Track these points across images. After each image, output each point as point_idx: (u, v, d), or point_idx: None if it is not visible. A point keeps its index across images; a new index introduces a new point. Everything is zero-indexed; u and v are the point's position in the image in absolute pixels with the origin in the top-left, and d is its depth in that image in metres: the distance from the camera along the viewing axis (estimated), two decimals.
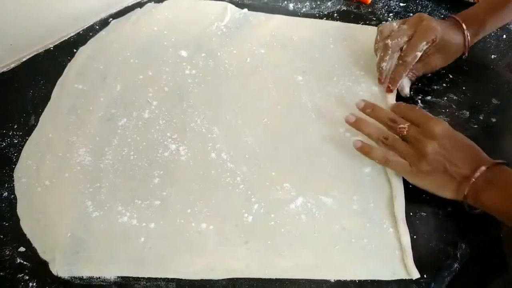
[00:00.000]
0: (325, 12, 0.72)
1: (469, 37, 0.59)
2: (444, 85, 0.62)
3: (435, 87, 0.62)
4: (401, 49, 0.58)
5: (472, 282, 0.46)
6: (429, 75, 0.63)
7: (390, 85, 0.59)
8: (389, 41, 0.57)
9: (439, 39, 0.56)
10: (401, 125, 0.49)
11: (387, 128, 0.51)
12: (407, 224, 0.48)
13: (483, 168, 0.45)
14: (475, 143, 0.48)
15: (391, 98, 0.59)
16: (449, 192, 0.47)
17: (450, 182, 0.46)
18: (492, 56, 0.66)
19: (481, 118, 0.58)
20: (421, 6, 0.74)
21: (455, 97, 0.60)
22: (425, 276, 0.45)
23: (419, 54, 0.56)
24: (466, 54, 0.60)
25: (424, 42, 0.56)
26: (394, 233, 0.48)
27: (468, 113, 0.59)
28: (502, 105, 0.60)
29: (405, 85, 0.60)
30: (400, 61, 0.57)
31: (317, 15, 0.72)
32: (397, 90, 0.60)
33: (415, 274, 0.44)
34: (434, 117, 0.49)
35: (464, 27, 0.58)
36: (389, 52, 0.57)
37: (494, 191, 0.44)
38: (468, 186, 0.45)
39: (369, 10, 0.72)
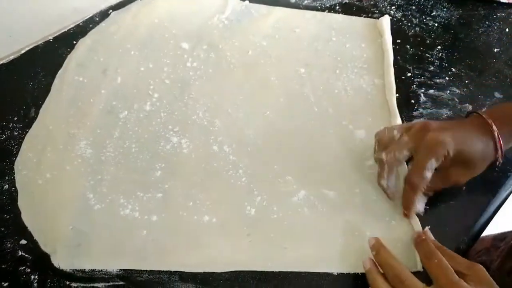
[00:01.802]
0: (327, 5, 0.72)
1: (501, 139, 0.45)
2: (447, 78, 0.62)
3: (438, 80, 0.62)
4: (407, 162, 0.48)
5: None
6: (431, 68, 0.62)
7: (405, 212, 0.47)
8: (384, 156, 0.46)
9: (453, 152, 0.44)
10: None
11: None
12: None
13: None
14: None
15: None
16: None
17: None
18: (495, 50, 0.66)
19: None
20: None
21: (457, 91, 0.60)
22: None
23: (429, 174, 0.44)
24: (501, 161, 0.46)
25: (432, 160, 0.44)
26: (396, 226, 0.48)
27: (470, 107, 0.59)
28: (504, 99, 0.60)
29: (421, 203, 0.47)
30: (407, 185, 0.46)
31: (319, 7, 0.71)
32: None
33: (421, 266, 0.44)
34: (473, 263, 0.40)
35: (494, 127, 0.45)
36: (386, 168, 0.47)
37: None
38: None
39: (372, 2, 0.72)
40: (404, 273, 0.40)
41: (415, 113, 0.58)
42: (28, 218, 0.48)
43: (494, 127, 0.45)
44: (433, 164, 0.44)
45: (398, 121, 0.56)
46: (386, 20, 0.67)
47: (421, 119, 0.57)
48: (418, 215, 0.47)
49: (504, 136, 0.45)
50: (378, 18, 0.69)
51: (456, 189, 0.50)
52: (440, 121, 0.49)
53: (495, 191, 0.51)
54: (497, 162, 0.47)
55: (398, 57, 0.64)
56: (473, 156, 0.45)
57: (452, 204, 0.48)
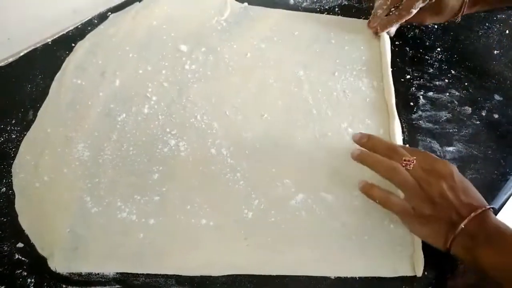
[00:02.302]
0: (326, 7, 0.71)
1: (467, 2, 0.60)
2: (446, 81, 0.61)
3: (437, 83, 0.61)
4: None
5: (474, 279, 0.46)
6: (430, 70, 0.62)
7: (378, 29, 0.64)
8: None
9: None
10: (407, 158, 0.45)
11: (388, 158, 0.46)
12: None
13: (472, 214, 0.41)
14: (477, 139, 0.48)
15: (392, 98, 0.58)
16: (439, 240, 0.42)
17: (443, 230, 0.42)
18: (495, 52, 0.66)
19: (483, 114, 0.58)
20: None
21: (457, 93, 0.60)
22: (425, 273, 0.45)
23: (414, 11, 0.60)
24: (459, 19, 0.62)
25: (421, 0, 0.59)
26: (394, 229, 0.47)
27: (470, 109, 0.58)
28: (504, 101, 0.59)
29: (393, 27, 0.64)
30: (396, 13, 0.62)
31: (318, 9, 0.71)
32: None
33: (420, 271, 0.44)
34: (444, 160, 0.45)
35: None
36: (389, 3, 0.62)
37: (491, 252, 0.39)
38: (455, 232, 0.41)
39: (371, 4, 0.71)
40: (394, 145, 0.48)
41: (414, 116, 0.58)
42: (25, 221, 0.48)
43: None
44: (420, 3, 0.59)
45: (397, 123, 0.56)
46: None
47: (420, 121, 0.57)
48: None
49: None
50: None
51: None
52: None
53: (494, 195, 0.51)
54: (456, 19, 0.63)
55: (397, 59, 0.63)
56: (446, 5, 0.60)
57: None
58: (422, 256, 0.45)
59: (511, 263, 0.38)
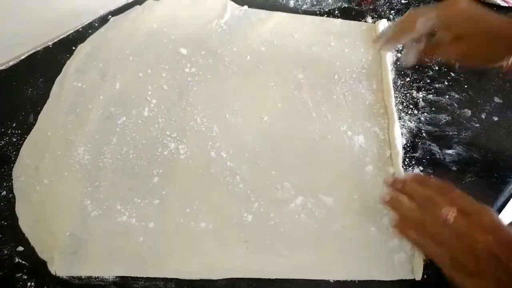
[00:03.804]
0: (326, 9, 0.71)
1: None
2: (446, 83, 0.61)
3: (437, 85, 0.61)
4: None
5: None
6: (430, 72, 0.62)
7: (376, 38, 0.56)
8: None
9: (459, 30, 0.48)
10: (446, 209, 0.39)
11: (421, 208, 0.42)
12: None
13: None
14: (476, 141, 0.47)
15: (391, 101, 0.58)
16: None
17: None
18: None
19: (483, 116, 0.58)
20: (423, 4, 0.73)
21: (456, 96, 0.60)
22: (425, 276, 0.45)
23: (420, 24, 0.49)
24: (505, 69, 0.49)
25: (431, 15, 0.49)
26: (394, 233, 0.47)
27: (469, 111, 0.58)
28: (504, 104, 0.59)
29: (411, 55, 0.53)
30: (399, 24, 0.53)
31: (318, 12, 0.71)
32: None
33: (419, 275, 0.44)
34: (483, 205, 0.40)
35: None
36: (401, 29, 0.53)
37: None
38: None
39: (370, 7, 0.72)
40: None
41: (414, 118, 0.58)
42: (25, 225, 0.48)
43: None
44: (427, 22, 0.49)
45: (397, 126, 0.56)
46: (382, 24, 0.67)
47: (420, 124, 0.57)
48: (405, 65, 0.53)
49: None
50: None
51: None
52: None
53: (494, 198, 0.51)
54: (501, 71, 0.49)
55: (397, 63, 0.63)
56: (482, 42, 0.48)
57: None
58: (422, 260, 0.45)
59: None
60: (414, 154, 0.54)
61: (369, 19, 0.70)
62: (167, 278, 0.45)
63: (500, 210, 0.51)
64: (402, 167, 0.53)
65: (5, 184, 0.51)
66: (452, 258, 0.39)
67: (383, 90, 0.60)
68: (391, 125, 0.56)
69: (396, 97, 0.59)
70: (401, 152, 0.53)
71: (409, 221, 0.42)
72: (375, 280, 0.45)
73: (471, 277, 0.38)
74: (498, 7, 0.70)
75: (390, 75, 0.61)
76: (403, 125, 0.57)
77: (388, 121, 0.57)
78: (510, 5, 0.70)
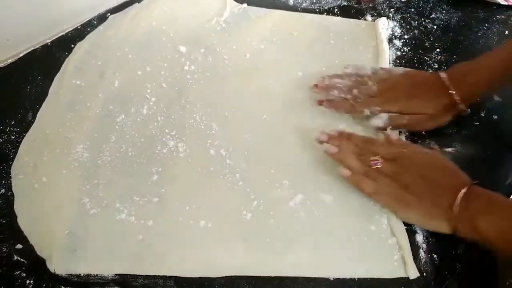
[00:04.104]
0: (326, 7, 0.71)
1: (458, 99, 0.51)
2: None
3: None
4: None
5: (472, 281, 0.46)
6: (430, 71, 0.62)
7: (323, 103, 0.57)
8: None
9: (402, 102, 0.52)
10: (373, 158, 0.48)
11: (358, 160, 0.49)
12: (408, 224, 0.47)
13: (462, 191, 0.42)
14: (476, 140, 0.48)
15: None
16: (441, 223, 0.44)
17: (438, 213, 0.44)
18: None
19: (482, 115, 0.58)
20: (422, 1, 0.73)
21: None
22: (424, 274, 0.45)
23: (366, 112, 0.53)
24: (465, 113, 0.53)
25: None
26: (393, 231, 0.47)
27: (469, 110, 0.58)
28: (503, 102, 0.59)
29: (379, 119, 0.53)
30: (351, 101, 0.55)
31: (318, 10, 0.71)
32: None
33: (414, 274, 0.44)
34: (406, 143, 0.49)
35: (450, 87, 0.51)
36: (348, 82, 0.56)
37: (491, 217, 0.41)
38: (454, 214, 0.42)
39: (370, 5, 0.71)
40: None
41: None
42: (24, 223, 0.48)
43: (452, 88, 0.51)
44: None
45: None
46: (381, 22, 0.67)
47: None
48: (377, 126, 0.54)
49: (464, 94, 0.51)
50: None
51: None
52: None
53: None
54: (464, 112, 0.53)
55: (397, 60, 0.63)
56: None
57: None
58: (411, 258, 0.45)
59: (509, 223, 0.40)
60: None
61: (368, 18, 0.70)
62: (166, 276, 0.45)
63: None
64: None
65: (3, 182, 0.51)
66: (398, 199, 0.46)
67: None
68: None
69: None
70: None
71: (357, 172, 0.48)
72: (374, 278, 0.45)
73: (415, 207, 0.45)
74: (498, 6, 0.70)
75: None
76: None
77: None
78: (510, 3, 0.70)
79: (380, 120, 0.53)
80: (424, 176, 0.45)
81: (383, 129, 0.53)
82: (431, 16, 0.70)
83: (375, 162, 0.48)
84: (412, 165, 0.47)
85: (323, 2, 0.72)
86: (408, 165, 0.47)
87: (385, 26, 0.67)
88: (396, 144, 0.50)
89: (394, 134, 0.52)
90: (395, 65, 0.63)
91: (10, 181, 0.51)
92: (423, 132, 0.55)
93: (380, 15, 0.70)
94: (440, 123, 0.54)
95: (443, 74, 0.52)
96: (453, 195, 0.43)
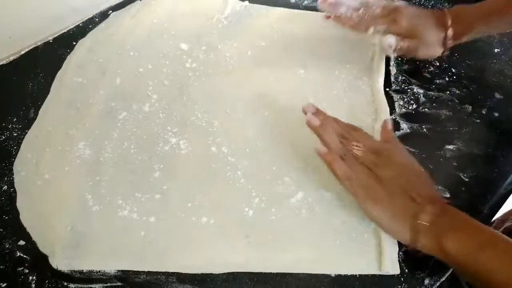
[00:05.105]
0: None
1: (451, 35, 0.55)
2: (447, 79, 0.61)
3: (438, 81, 0.61)
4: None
5: None
6: (431, 68, 0.62)
7: (331, 15, 0.59)
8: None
9: (404, 24, 0.55)
10: (355, 144, 0.47)
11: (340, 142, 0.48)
12: None
13: (435, 204, 0.42)
14: (477, 137, 0.48)
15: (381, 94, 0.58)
16: (403, 230, 0.42)
17: (403, 218, 0.42)
18: (495, 50, 0.66)
19: (484, 112, 0.58)
20: (423, 0, 0.73)
21: (457, 91, 0.60)
22: (426, 272, 0.45)
23: (371, 30, 0.57)
24: (446, 52, 0.58)
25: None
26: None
27: (470, 107, 0.58)
28: (505, 100, 0.59)
29: (391, 38, 0.57)
30: (355, 20, 0.58)
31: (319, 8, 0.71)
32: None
33: (390, 269, 0.44)
34: (394, 142, 0.48)
35: (449, 23, 0.55)
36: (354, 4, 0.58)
37: (459, 236, 0.40)
38: (420, 225, 0.41)
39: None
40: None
41: (414, 114, 0.58)
42: (26, 219, 0.49)
43: (449, 22, 0.55)
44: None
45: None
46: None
47: (421, 120, 0.57)
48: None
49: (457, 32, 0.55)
50: None
51: (455, 189, 0.50)
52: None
53: (494, 193, 0.51)
54: (443, 53, 0.58)
55: (398, 58, 0.63)
56: (426, 37, 0.56)
57: (450, 204, 0.48)
58: (391, 254, 0.45)
59: (476, 245, 0.39)
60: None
61: None
62: (168, 272, 0.45)
63: (499, 205, 0.51)
64: None
65: (6, 178, 0.51)
66: (367, 190, 0.44)
67: (383, 85, 0.60)
68: (378, 128, 0.55)
69: (396, 92, 0.59)
70: None
71: (334, 152, 0.47)
72: (375, 274, 0.45)
73: (382, 203, 0.43)
74: None
75: (393, 70, 0.61)
76: (404, 121, 0.57)
77: (388, 117, 0.57)
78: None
79: (392, 38, 0.56)
80: (402, 176, 0.44)
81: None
82: None
83: (357, 148, 0.47)
84: (393, 162, 0.46)
85: None
86: (389, 161, 0.46)
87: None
88: (384, 141, 0.49)
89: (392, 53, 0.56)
90: (397, 63, 0.63)
91: (13, 177, 0.52)
92: (417, 61, 0.60)
93: None
94: (433, 53, 0.58)
95: (445, 8, 0.56)
96: (425, 204, 0.42)
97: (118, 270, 0.45)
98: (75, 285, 0.45)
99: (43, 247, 0.47)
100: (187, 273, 0.45)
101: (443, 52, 0.58)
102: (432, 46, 0.57)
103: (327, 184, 0.51)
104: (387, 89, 0.60)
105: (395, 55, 0.58)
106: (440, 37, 0.56)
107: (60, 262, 0.45)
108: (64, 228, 0.47)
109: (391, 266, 0.44)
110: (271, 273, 0.45)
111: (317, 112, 0.50)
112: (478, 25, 0.55)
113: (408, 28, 0.56)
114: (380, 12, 0.57)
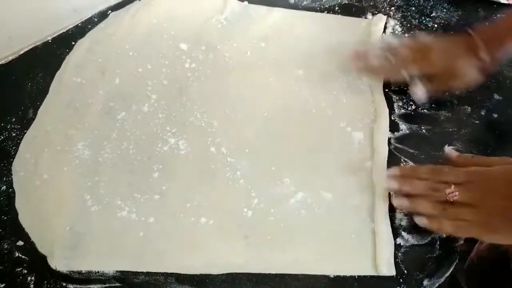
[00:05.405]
0: (326, 6, 0.71)
1: (487, 59, 0.52)
2: None
3: None
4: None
5: (470, 279, 0.46)
6: None
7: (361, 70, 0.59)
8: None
9: (437, 62, 0.53)
10: (449, 191, 0.43)
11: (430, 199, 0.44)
12: (408, 222, 0.48)
13: None
14: (476, 138, 0.48)
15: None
16: None
17: None
18: None
19: (483, 113, 0.58)
20: (423, 0, 0.73)
21: (456, 92, 0.60)
22: (425, 273, 0.45)
23: (404, 75, 0.55)
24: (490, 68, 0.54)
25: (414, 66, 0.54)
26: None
27: (469, 108, 0.58)
28: (504, 101, 0.59)
29: (419, 91, 0.55)
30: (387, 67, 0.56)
31: (318, 8, 0.71)
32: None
33: (387, 271, 0.44)
34: (470, 159, 0.46)
35: (482, 46, 0.52)
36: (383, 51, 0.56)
37: None
38: None
39: (371, 3, 0.71)
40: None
41: (413, 114, 0.58)
42: (25, 220, 0.49)
43: (481, 45, 0.52)
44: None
45: (384, 129, 0.55)
46: (378, 18, 0.67)
47: (420, 120, 0.57)
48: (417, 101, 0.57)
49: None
50: None
51: None
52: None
53: None
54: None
55: None
56: (457, 70, 0.54)
57: None
58: (386, 255, 0.45)
59: None
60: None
61: (369, 16, 0.70)
62: (167, 272, 0.45)
63: None
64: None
65: (4, 179, 0.51)
66: (480, 226, 0.41)
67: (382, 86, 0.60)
68: (377, 129, 0.55)
69: (396, 93, 0.59)
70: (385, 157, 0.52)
71: (436, 215, 0.43)
72: (374, 276, 0.45)
73: (503, 229, 0.40)
74: (499, 5, 0.70)
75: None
76: (403, 122, 0.57)
77: (388, 117, 0.57)
78: (511, 2, 0.70)
79: (419, 92, 0.55)
80: (508, 195, 0.40)
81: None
82: (431, 15, 0.70)
83: (453, 194, 0.42)
84: (491, 184, 0.42)
85: (323, 0, 0.72)
86: (487, 184, 0.42)
87: (383, 23, 0.67)
88: (461, 162, 0.46)
89: (453, 152, 0.49)
90: None
91: (11, 178, 0.51)
92: (456, 92, 0.57)
93: (380, 13, 0.70)
94: (469, 81, 0.54)
95: (471, 32, 0.53)
96: None
97: (117, 271, 0.45)
98: (74, 285, 0.45)
99: (41, 248, 0.46)
100: (186, 274, 0.45)
101: (484, 76, 0.55)
102: (468, 75, 0.54)
103: (327, 185, 0.51)
104: (386, 90, 0.60)
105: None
106: (474, 63, 0.53)
107: (59, 262, 0.45)
108: (63, 228, 0.47)
109: (387, 267, 0.44)
110: (270, 273, 0.45)
111: (401, 180, 0.47)
112: (509, 42, 0.52)
113: (442, 65, 0.54)
114: (409, 54, 0.55)
